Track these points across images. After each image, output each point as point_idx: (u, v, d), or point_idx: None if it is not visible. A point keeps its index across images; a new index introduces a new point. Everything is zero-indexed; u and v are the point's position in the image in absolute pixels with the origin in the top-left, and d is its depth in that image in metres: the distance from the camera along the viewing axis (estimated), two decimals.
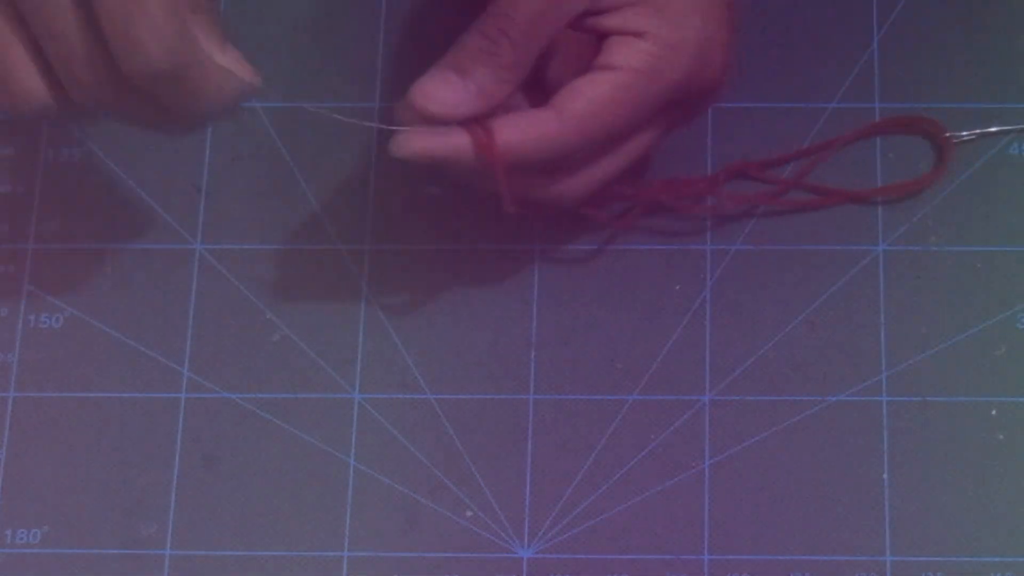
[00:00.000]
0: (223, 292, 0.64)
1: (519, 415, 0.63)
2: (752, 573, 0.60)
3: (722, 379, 0.63)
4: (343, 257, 0.65)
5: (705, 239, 0.64)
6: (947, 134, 0.64)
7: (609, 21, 0.56)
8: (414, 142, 0.56)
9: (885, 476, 0.61)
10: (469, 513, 0.61)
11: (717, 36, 0.57)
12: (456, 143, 0.56)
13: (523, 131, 0.56)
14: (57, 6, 0.50)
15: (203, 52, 0.52)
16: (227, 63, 0.53)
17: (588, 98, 0.56)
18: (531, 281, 0.64)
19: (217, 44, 0.53)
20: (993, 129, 0.65)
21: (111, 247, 0.65)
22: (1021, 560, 0.60)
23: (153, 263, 0.65)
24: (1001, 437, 0.62)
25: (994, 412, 0.62)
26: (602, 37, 0.57)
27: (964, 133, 0.65)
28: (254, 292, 0.64)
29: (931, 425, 0.62)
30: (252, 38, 0.67)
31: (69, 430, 0.63)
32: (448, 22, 0.67)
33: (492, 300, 0.64)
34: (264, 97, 0.64)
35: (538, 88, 0.59)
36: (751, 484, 0.61)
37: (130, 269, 0.65)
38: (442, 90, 0.56)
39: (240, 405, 0.63)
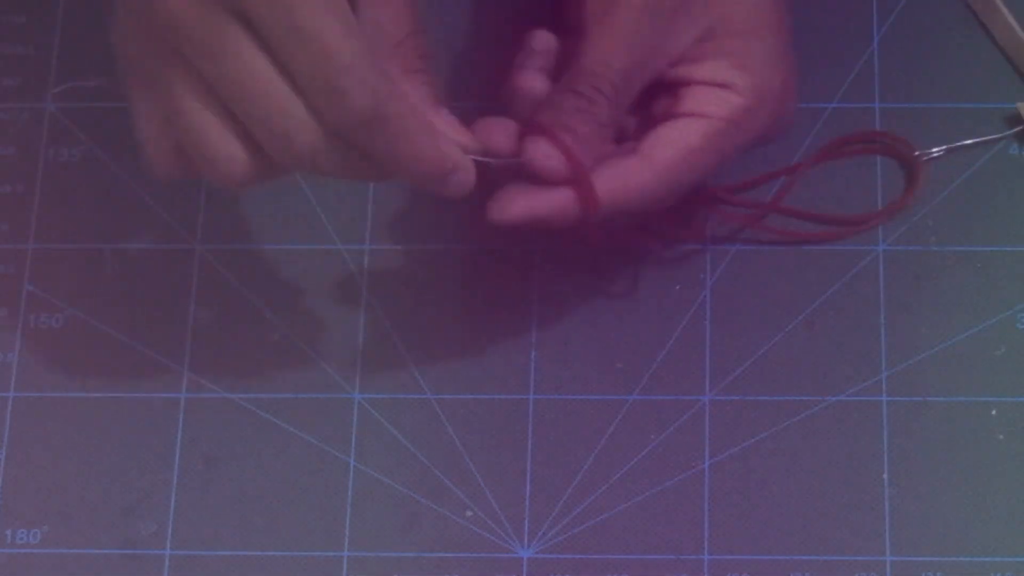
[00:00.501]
0: (223, 292, 0.64)
1: (519, 415, 0.63)
2: (752, 573, 0.60)
3: (722, 379, 0.63)
4: (343, 257, 0.65)
5: (705, 239, 0.64)
6: (916, 152, 0.64)
7: (694, 73, 0.57)
8: (516, 205, 0.55)
9: (885, 476, 0.61)
10: (469, 513, 0.61)
11: (792, 83, 0.58)
12: (558, 201, 0.56)
13: (620, 184, 0.56)
14: (246, 65, 0.49)
15: (407, 100, 0.51)
16: (439, 123, 0.53)
17: (679, 147, 0.56)
18: (531, 281, 0.64)
19: (430, 105, 0.53)
20: (965, 143, 0.65)
21: (111, 247, 0.65)
22: (1021, 560, 0.60)
23: (153, 263, 0.65)
24: (1001, 437, 0.62)
25: (994, 412, 0.62)
26: (681, 86, 0.57)
27: (934, 151, 0.64)
28: (254, 292, 0.64)
29: (931, 425, 0.62)
30: None
31: (69, 430, 0.63)
32: (448, 23, 0.67)
33: (492, 300, 0.64)
34: None
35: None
36: (751, 484, 0.61)
37: (130, 269, 0.65)
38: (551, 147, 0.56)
39: (240, 405, 0.63)
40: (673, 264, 0.64)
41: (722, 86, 0.57)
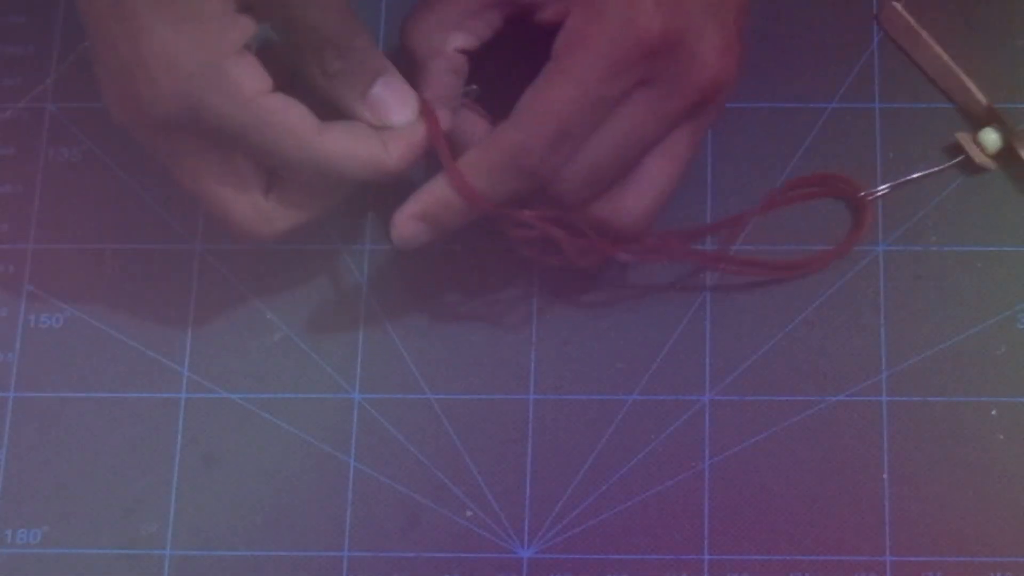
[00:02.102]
0: (223, 292, 0.65)
1: (519, 415, 0.63)
2: (752, 573, 0.60)
3: (722, 379, 0.63)
4: (343, 257, 0.65)
5: (705, 239, 0.64)
6: (861, 193, 0.64)
7: (543, 14, 0.57)
8: (404, 219, 0.57)
9: (885, 476, 0.61)
10: (469, 513, 0.62)
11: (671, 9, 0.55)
12: (433, 191, 0.57)
13: (483, 148, 0.56)
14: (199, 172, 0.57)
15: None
16: (367, 112, 0.57)
17: (530, 95, 0.55)
18: (531, 281, 0.64)
19: (359, 90, 0.57)
20: (910, 177, 0.64)
21: (111, 247, 0.65)
22: (1021, 560, 0.60)
23: (153, 263, 0.65)
24: (1001, 437, 0.62)
25: (994, 412, 0.62)
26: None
27: (879, 189, 0.64)
28: (254, 292, 0.64)
29: (931, 425, 0.62)
30: None
31: (69, 430, 0.63)
32: None
33: (492, 300, 0.64)
34: None
35: None
36: (751, 484, 0.61)
37: (130, 269, 0.65)
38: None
39: (240, 405, 0.63)
40: (673, 264, 0.64)
41: (563, 17, 0.56)
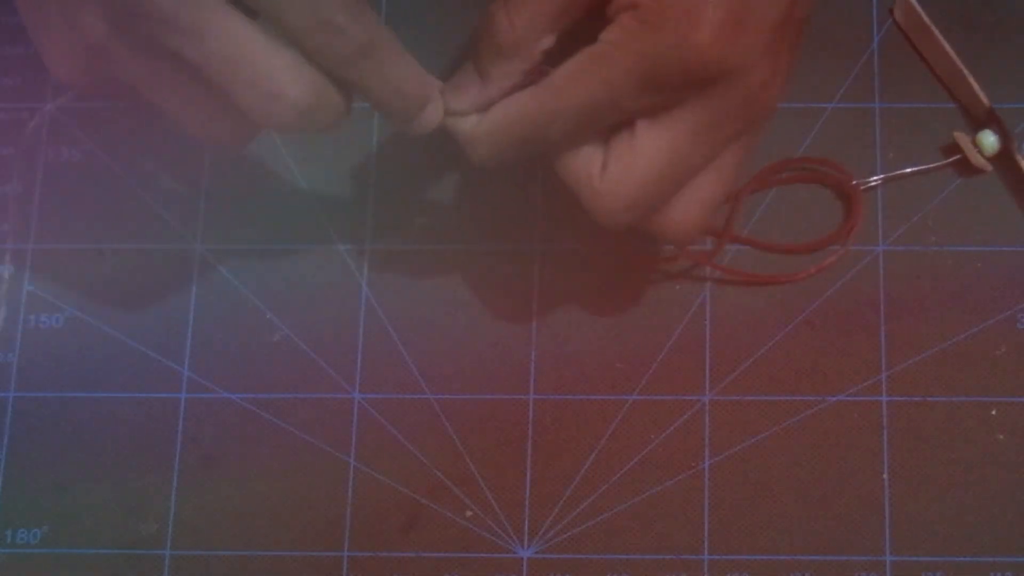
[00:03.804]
0: (223, 292, 0.65)
1: (519, 415, 0.63)
2: (752, 573, 0.60)
3: (722, 379, 0.63)
4: (343, 257, 0.65)
5: (705, 239, 0.64)
6: (854, 182, 0.64)
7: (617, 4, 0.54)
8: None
9: (885, 476, 0.61)
10: (469, 513, 0.61)
11: (712, 9, 0.53)
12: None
13: (505, 108, 0.55)
14: (234, 37, 0.51)
15: (390, 31, 0.53)
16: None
17: (563, 75, 0.54)
18: (531, 281, 0.64)
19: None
20: (903, 171, 0.64)
21: (111, 247, 0.65)
22: (1021, 560, 0.60)
23: (153, 263, 0.65)
24: (1001, 437, 0.62)
25: (994, 412, 0.62)
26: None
27: (871, 180, 0.64)
28: (254, 292, 0.64)
29: (931, 425, 0.62)
30: None
31: (69, 430, 0.63)
32: (448, 21, 0.67)
33: (492, 300, 0.64)
34: None
35: None
36: (751, 484, 0.61)
37: (130, 269, 0.65)
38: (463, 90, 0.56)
39: (240, 405, 0.63)
40: (673, 264, 0.64)
41: (631, 6, 0.53)
